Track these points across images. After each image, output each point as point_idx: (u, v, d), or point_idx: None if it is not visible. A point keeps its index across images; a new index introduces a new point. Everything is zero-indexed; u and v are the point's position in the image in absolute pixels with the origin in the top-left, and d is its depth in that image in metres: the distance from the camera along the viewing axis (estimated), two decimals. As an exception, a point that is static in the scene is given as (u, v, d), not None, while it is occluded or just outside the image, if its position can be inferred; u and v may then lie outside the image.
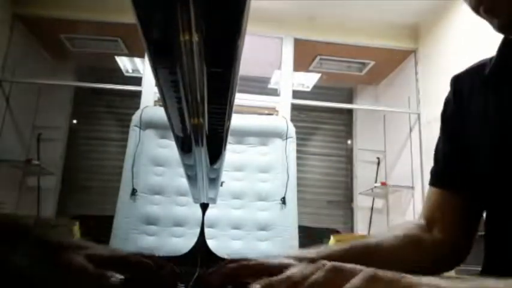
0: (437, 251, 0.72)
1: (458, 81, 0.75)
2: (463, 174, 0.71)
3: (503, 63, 0.69)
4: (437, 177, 0.76)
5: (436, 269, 0.73)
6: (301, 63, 3.54)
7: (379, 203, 3.72)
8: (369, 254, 0.70)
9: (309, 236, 3.42)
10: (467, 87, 0.73)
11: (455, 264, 0.74)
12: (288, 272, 0.41)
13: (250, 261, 0.58)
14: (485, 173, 0.66)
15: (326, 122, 4.12)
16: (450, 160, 0.74)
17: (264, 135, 2.66)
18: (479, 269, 0.69)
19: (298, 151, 2.72)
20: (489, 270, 0.67)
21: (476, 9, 0.62)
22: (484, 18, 0.63)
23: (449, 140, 0.75)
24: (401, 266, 0.67)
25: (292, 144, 2.66)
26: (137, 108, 2.81)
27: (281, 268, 0.47)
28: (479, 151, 0.67)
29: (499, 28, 0.62)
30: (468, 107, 0.71)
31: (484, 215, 0.70)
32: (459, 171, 0.72)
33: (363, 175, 3.83)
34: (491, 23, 0.63)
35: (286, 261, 0.58)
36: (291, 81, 3.38)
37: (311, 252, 0.66)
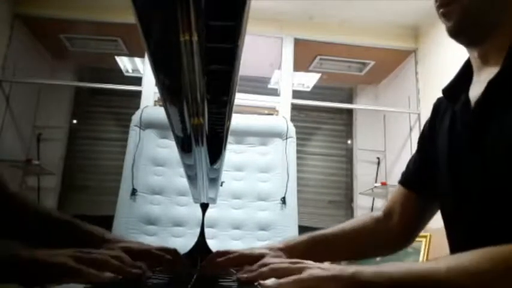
0: (388, 237, 0.90)
1: (438, 102, 0.84)
2: (422, 179, 0.84)
3: (456, 78, 0.76)
4: (403, 178, 0.90)
5: (391, 249, 0.93)
6: (301, 63, 3.54)
7: (379, 203, 3.72)
8: (327, 243, 0.88)
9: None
10: (441, 106, 0.82)
11: (399, 248, 0.93)
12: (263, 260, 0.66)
13: (234, 253, 0.80)
14: (441, 181, 0.75)
15: (326, 122, 4.11)
16: (416, 166, 0.87)
17: (264, 135, 2.66)
18: None
19: (298, 151, 2.72)
20: None
21: (437, 10, 0.69)
22: (442, 20, 0.69)
23: (420, 151, 0.88)
24: (356, 251, 0.92)
25: (292, 144, 2.66)
26: (137, 108, 2.81)
27: (257, 257, 0.70)
28: (438, 162, 0.76)
29: (449, 31, 0.68)
30: (439, 123, 0.80)
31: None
32: (420, 177, 0.85)
33: (363, 175, 3.83)
34: (446, 25, 0.69)
35: (259, 251, 0.80)
36: (291, 81, 3.38)
37: (280, 243, 0.87)
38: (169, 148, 2.50)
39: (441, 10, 0.67)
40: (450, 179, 0.71)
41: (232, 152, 2.51)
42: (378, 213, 0.93)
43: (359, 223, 0.92)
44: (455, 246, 0.74)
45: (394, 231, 0.89)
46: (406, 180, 0.89)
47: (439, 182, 0.76)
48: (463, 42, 0.70)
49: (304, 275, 0.51)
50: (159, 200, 2.45)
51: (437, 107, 0.83)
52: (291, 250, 0.84)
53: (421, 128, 3.02)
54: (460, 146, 0.69)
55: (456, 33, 0.68)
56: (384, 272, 0.48)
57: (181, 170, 1.04)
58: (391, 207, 0.90)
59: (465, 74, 0.73)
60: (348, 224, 0.92)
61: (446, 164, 0.72)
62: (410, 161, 0.91)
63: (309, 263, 0.57)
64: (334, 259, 0.94)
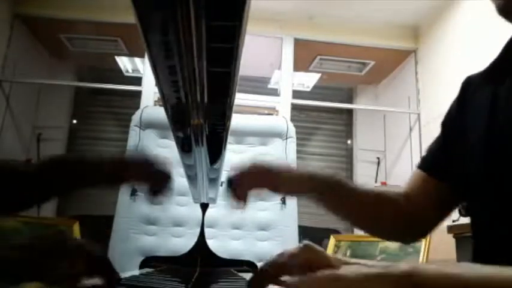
0: (407, 219, 0.80)
1: (467, 81, 0.78)
2: (448, 165, 0.76)
3: (503, 57, 0.70)
4: (425, 163, 0.82)
5: (401, 235, 0.85)
6: (301, 63, 3.54)
7: (379, 203, 3.72)
8: (350, 197, 0.78)
9: (309, 236, 3.42)
10: (473, 86, 0.75)
11: (417, 238, 0.86)
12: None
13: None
14: (472, 170, 0.69)
15: (326, 122, 4.11)
16: (440, 150, 0.79)
17: (264, 135, 2.66)
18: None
19: (298, 151, 2.72)
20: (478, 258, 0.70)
21: None
22: None
23: (445, 133, 0.80)
24: (376, 221, 0.80)
25: (292, 144, 2.66)
26: (137, 108, 2.81)
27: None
28: (471, 147, 0.69)
29: (500, 9, 0.64)
30: (470, 105, 0.74)
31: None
32: (445, 162, 0.77)
33: (363, 175, 3.83)
34: (494, 4, 0.64)
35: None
36: (291, 81, 3.38)
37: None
38: (169, 148, 2.49)
39: None
40: (487, 164, 0.65)
41: (232, 152, 2.51)
42: (399, 190, 0.83)
43: (384, 192, 0.82)
44: (484, 237, 0.68)
45: (413, 216, 0.79)
46: (428, 165, 0.80)
47: (470, 168, 0.69)
48: None
49: (342, 271, 0.40)
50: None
51: (467, 87, 0.77)
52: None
53: (421, 128, 2.99)
54: (506, 126, 0.63)
55: (506, 12, 0.63)
56: (452, 274, 0.38)
57: (181, 170, 1.04)
58: (410, 192, 0.81)
59: (509, 55, 0.69)
60: (371, 188, 0.83)
61: (483, 146, 0.66)
62: (432, 144, 0.82)
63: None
64: (343, 216, 0.84)
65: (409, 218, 0.80)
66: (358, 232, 3.70)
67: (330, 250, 2.80)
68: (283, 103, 3.24)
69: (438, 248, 2.25)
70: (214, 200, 1.46)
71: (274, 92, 3.50)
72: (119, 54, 3.64)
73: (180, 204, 2.43)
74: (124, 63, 3.78)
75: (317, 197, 0.77)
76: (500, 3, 0.63)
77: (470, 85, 0.76)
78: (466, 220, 1.80)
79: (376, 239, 1.86)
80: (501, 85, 0.67)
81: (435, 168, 0.79)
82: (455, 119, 0.77)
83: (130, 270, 1.34)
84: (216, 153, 0.85)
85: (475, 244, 0.71)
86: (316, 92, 4.01)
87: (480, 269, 0.38)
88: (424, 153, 0.84)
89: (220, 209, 2.38)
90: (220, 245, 2.28)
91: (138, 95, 3.14)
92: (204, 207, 1.54)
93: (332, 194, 0.77)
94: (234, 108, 0.70)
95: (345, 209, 0.81)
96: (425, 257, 2.21)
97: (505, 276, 0.37)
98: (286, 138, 2.66)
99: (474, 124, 0.70)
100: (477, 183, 0.68)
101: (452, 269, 0.39)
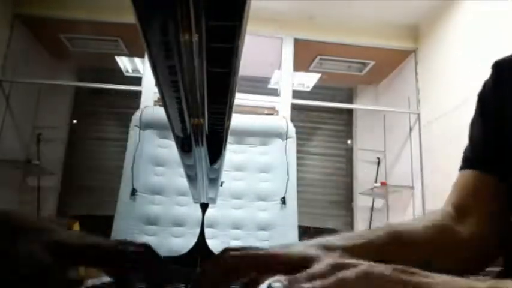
0: (473, 245, 0.60)
1: (499, 66, 0.69)
2: (503, 155, 0.61)
3: None
4: (473, 158, 0.66)
5: (468, 266, 0.61)
6: (301, 63, 3.54)
7: (379, 203, 3.72)
8: (403, 242, 0.57)
9: (309, 236, 3.42)
10: (508, 72, 0.67)
11: (488, 262, 0.63)
12: (314, 269, 0.33)
13: (258, 252, 0.42)
14: None
15: (326, 122, 4.11)
16: (489, 141, 0.65)
17: (264, 135, 2.66)
18: (498, 269, 0.62)
19: (298, 151, 2.72)
20: (509, 272, 0.59)
21: None
22: None
23: (486, 122, 0.67)
24: (432, 261, 0.57)
25: (292, 144, 2.66)
26: (137, 108, 2.81)
27: (303, 262, 0.38)
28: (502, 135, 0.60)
29: None
30: (507, 90, 0.65)
31: None
32: (499, 152, 0.62)
33: (363, 175, 3.83)
34: None
35: (309, 252, 0.43)
36: (291, 81, 3.38)
37: (337, 239, 0.52)
38: (169, 148, 2.49)
39: None
40: None
41: (232, 152, 2.51)
42: (447, 209, 0.64)
43: (435, 219, 0.62)
44: None
45: (477, 236, 0.60)
46: (475, 160, 0.65)
47: None
48: None
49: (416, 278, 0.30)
50: (159, 200, 2.45)
51: (501, 70, 0.68)
52: (356, 250, 0.52)
53: (421, 128, 2.99)
54: None
55: None
56: None
57: (181, 170, 1.04)
58: (463, 203, 0.63)
59: None
60: (421, 220, 0.62)
61: None
62: (472, 137, 0.69)
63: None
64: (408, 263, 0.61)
65: (476, 241, 0.61)
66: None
67: (330, 250, 2.79)
68: (283, 103, 3.24)
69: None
70: (214, 200, 1.46)
71: (274, 92, 3.50)
72: (119, 54, 3.64)
73: (180, 204, 2.43)
74: (124, 63, 3.78)
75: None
76: None
77: (503, 69, 0.67)
78: None
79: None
80: None
81: (488, 161, 0.63)
82: (493, 102, 0.66)
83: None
84: (216, 153, 0.85)
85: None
86: (316, 92, 4.01)
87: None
88: (466, 149, 0.69)
89: (220, 209, 2.38)
90: (220, 245, 2.28)
91: (138, 95, 3.14)
92: (204, 207, 1.54)
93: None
94: (234, 108, 0.70)
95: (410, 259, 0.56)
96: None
97: None
98: (286, 138, 2.66)
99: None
100: None
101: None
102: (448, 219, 0.62)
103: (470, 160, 0.66)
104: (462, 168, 0.66)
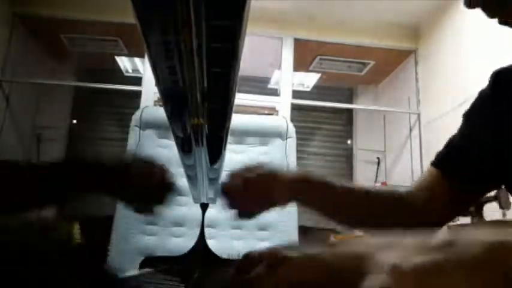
0: (420, 217, 0.74)
1: (498, 76, 0.72)
2: (467, 163, 0.70)
3: None
4: (439, 159, 0.75)
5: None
6: (301, 63, 3.54)
7: (379, 203, 3.72)
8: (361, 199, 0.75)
9: (309, 236, 3.42)
10: (507, 80, 0.70)
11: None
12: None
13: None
14: (493, 169, 0.65)
15: (326, 122, 4.11)
16: (459, 146, 0.73)
17: (264, 135, 2.66)
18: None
19: (298, 151, 2.72)
20: None
21: (498, 21, 0.63)
22: (508, 26, 0.62)
23: (472, 131, 0.73)
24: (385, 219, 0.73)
25: (292, 144, 2.66)
26: (137, 108, 2.81)
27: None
28: (498, 146, 0.65)
29: (500, 24, 0.62)
30: (504, 102, 0.68)
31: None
32: (465, 159, 0.71)
33: (363, 175, 3.83)
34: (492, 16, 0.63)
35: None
36: (291, 81, 3.38)
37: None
38: (169, 148, 2.49)
39: (503, 21, 0.61)
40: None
41: (232, 152, 2.51)
42: (401, 190, 0.78)
43: (378, 191, 0.79)
44: None
45: (419, 213, 0.73)
46: (445, 164, 0.74)
47: (489, 167, 0.64)
48: None
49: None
50: (159, 200, 2.45)
51: (498, 80, 0.71)
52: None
53: (421, 128, 2.98)
54: None
55: (506, 25, 0.61)
56: None
57: (181, 170, 1.04)
58: (419, 190, 0.76)
59: None
60: (362, 187, 0.78)
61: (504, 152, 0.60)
62: (450, 142, 0.76)
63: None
64: (331, 217, 0.79)
65: (417, 217, 0.74)
66: (359, 232, 3.70)
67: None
68: (283, 103, 3.24)
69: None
70: (214, 200, 1.46)
71: (274, 92, 3.50)
72: (119, 54, 3.64)
73: (180, 204, 2.43)
74: (124, 63, 3.78)
75: (304, 200, 0.77)
76: (498, 21, 0.61)
77: (502, 79, 0.70)
78: (466, 220, 1.80)
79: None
80: None
81: (455, 167, 0.72)
82: (489, 117, 0.69)
83: (130, 270, 1.34)
84: (216, 153, 0.85)
85: None
86: (316, 92, 4.01)
87: None
88: (441, 150, 0.77)
89: (221, 209, 2.38)
90: (220, 245, 2.28)
91: (138, 95, 3.14)
92: (204, 207, 1.54)
93: (319, 193, 0.75)
94: (234, 108, 0.70)
95: (332, 209, 0.77)
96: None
97: None
98: (286, 138, 2.66)
99: (505, 122, 0.64)
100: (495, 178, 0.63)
101: None
102: (392, 194, 0.77)
103: (436, 159, 0.75)
104: (430, 164, 0.76)
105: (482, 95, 0.73)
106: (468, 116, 0.75)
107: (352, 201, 0.75)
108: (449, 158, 0.74)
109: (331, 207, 0.76)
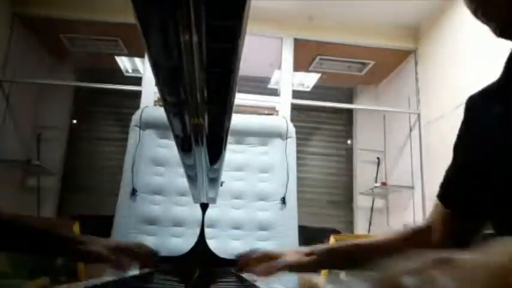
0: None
1: (470, 101, 0.75)
2: (464, 195, 0.72)
3: (506, 76, 0.68)
4: (441, 194, 0.79)
5: None
6: (301, 63, 3.54)
7: (379, 203, 3.72)
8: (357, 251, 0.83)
9: (309, 236, 3.42)
10: (478, 105, 0.73)
11: None
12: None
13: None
14: (490, 193, 0.66)
15: (326, 122, 4.11)
16: (453, 179, 0.76)
17: (264, 135, 2.66)
18: None
19: (298, 151, 2.72)
20: None
21: (474, 12, 0.63)
22: (481, 21, 0.63)
23: (457, 159, 0.77)
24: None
25: (292, 144, 2.66)
26: (137, 108, 2.81)
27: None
28: (484, 169, 0.66)
29: (494, 31, 0.63)
30: (477, 126, 0.71)
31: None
32: (461, 192, 0.73)
33: (363, 175, 3.83)
34: (488, 26, 0.63)
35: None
36: (291, 81, 3.38)
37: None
38: (169, 148, 2.50)
39: (480, 10, 0.62)
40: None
41: (232, 152, 2.51)
42: (419, 225, 0.83)
43: (396, 233, 0.83)
44: None
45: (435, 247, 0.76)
46: (443, 197, 0.78)
47: (491, 193, 0.66)
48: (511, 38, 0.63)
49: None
50: (159, 200, 2.45)
51: (471, 107, 0.75)
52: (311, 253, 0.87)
53: (421, 128, 3.00)
54: None
55: (502, 34, 0.62)
56: None
57: (181, 170, 1.04)
58: (432, 224, 0.80)
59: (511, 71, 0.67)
60: (384, 234, 0.84)
61: (504, 170, 0.62)
62: (445, 174, 0.79)
63: None
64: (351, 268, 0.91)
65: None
66: (359, 232, 3.71)
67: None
68: (283, 103, 3.24)
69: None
70: (214, 200, 1.46)
71: (274, 92, 3.50)
72: (119, 54, 3.64)
73: (180, 204, 2.43)
74: (124, 63, 3.78)
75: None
76: (494, 26, 0.61)
77: (474, 106, 0.74)
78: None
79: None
80: (507, 104, 0.64)
81: (451, 199, 0.76)
82: (467, 146, 0.74)
83: (130, 270, 1.34)
84: (216, 153, 0.85)
85: None
86: (316, 92, 4.01)
87: None
88: (440, 183, 0.80)
89: (221, 209, 2.38)
90: (220, 245, 2.28)
91: (138, 95, 3.14)
92: (204, 207, 1.54)
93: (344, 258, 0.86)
94: (234, 108, 0.70)
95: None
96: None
97: None
98: (286, 138, 2.66)
99: (488, 149, 0.66)
100: (503, 207, 0.63)
101: None
102: (409, 231, 0.81)
103: (439, 194, 0.78)
104: (437, 196, 0.78)
105: (461, 124, 0.77)
106: (454, 149, 0.78)
107: (358, 256, 0.82)
108: (446, 191, 0.77)
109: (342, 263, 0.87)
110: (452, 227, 0.76)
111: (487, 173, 0.65)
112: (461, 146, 0.76)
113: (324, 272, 2.43)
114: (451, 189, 0.76)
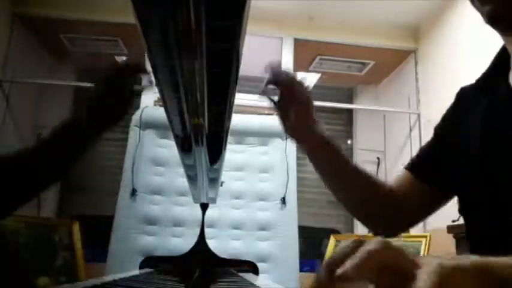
0: (394, 208, 0.84)
1: (461, 92, 0.81)
2: (437, 169, 0.79)
3: (492, 69, 0.72)
4: (414, 164, 0.85)
5: (387, 224, 0.86)
6: (301, 63, 3.53)
7: (379, 203, 3.72)
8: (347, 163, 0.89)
9: (309, 236, 3.42)
10: (467, 97, 0.78)
11: (400, 231, 0.88)
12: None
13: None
14: (467, 177, 0.71)
15: (326, 122, 4.11)
16: (431, 156, 0.83)
17: (264, 135, 2.66)
18: None
19: (298, 151, 2.71)
20: None
21: None
22: (476, 6, 0.66)
23: (438, 140, 0.83)
24: (366, 199, 0.86)
25: (292, 144, 2.66)
26: (137, 108, 2.81)
27: None
28: (466, 157, 0.71)
29: (487, 18, 0.64)
30: (464, 116, 0.76)
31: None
32: (436, 166, 0.80)
33: (363, 175, 3.82)
34: (481, 12, 0.65)
35: None
36: (291, 81, 3.37)
37: None
38: (169, 148, 2.50)
39: None
40: (483, 172, 0.66)
41: (232, 152, 2.51)
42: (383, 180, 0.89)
43: (375, 178, 0.88)
44: (479, 241, 0.70)
45: (398, 207, 0.83)
46: (417, 168, 0.84)
47: (464, 174, 0.71)
48: (500, 28, 0.67)
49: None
50: (159, 200, 2.45)
51: (461, 97, 0.80)
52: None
53: (421, 128, 3.01)
54: (502, 135, 0.64)
55: (494, 19, 0.64)
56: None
57: (181, 170, 1.04)
58: (395, 188, 0.85)
59: (501, 64, 0.70)
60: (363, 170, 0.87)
61: (478, 154, 0.67)
62: (423, 148, 0.87)
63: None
64: (334, 183, 0.92)
65: (395, 208, 0.83)
66: (358, 232, 3.70)
67: (330, 250, 2.80)
68: (283, 103, 3.23)
69: (438, 248, 2.25)
70: (214, 200, 1.46)
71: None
72: (119, 54, 3.64)
73: (180, 204, 2.43)
74: (124, 63, 3.78)
75: (318, 149, 0.92)
76: (487, 12, 0.63)
77: (464, 96, 0.79)
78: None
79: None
80: (494, 96, 0.68)
81: (424, 172, 0.82)
82: (450, 128, 0.79)
83: (130, 270, 1.34)
84: (216, 153, 0.85)
85: (471, 244, 0.73)
86: (316, 92, 4.01)
87: None
88: (414, 156, 0.87)
89: (220, 209, 2.38)
90: (220, 245, 2.28)
91: (138, 95, 3.14)
92: (204, 207, 1.54)
93: (331, 152, 0.91)
94: (234, 108, 0.70)
95: (339, 174, 0.90)
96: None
97: None
98: (286, 138, 2.66)
99: (469, 134, 0.71)
100: (473, 187, 0.69)
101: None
102: (386, 185, 0.86)
103: (410, 165, 0.85)
104: (405, 168, 0.86)
105: (448, 110, 0.83)
106: (436, 129, 0.85)
107: (360, 176, 0.86)
108: (421, 164, 0.84)
109: (341, 172, 0.89)
110: (417, 197, 0.81)
111: (467, 155, 0.71)
112: (444, 127, 0.82)
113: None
114: (427, 163, 0.82)
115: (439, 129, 0.83)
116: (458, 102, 0.80)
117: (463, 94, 0.80)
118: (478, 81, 0.75)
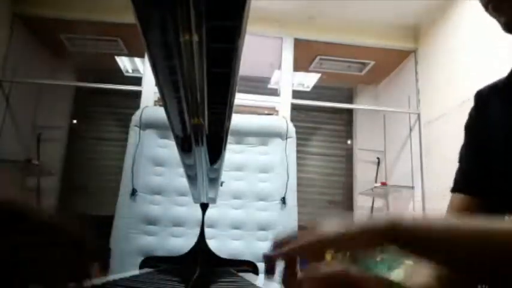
0: None
1: (480, 95, 0.76)
2: (487, 179, 0.70)
3: None
4: (462, 183, 0.75)
5: None
6: (301, 63, 3.54)
7: (379, 203, 3.72)
8: None
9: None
10: (488, 99, 0.74)
11: None
12: None
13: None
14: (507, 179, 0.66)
15: (326, 122, 4.11)
16: (474, 166, 0.73)
17: (264, 135, 2.66)
18: None
19: (298, 151, 2.72)
20: None
21: (485, 6, 0.64)
22: (492, 15, 0.64)
23: (472, 149, 0.75)
24: None
25: (292, 144, 2.67)
26: (137, 108, 2.81)
27: None
28: (502, 159, 0.67)
29: (504, 26, 0.63)
30: (490, 117, 0.71)
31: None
32: (483, 177, 0.71)
33: (363, 175, 3.83)
34: (498, 21, 0.64)
35: None
36: (291, 81, 3.38)
37: None
38: (169, 148, 2.50)
39: (491, 4, 0.63)
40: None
41: (232, 152, 2.51)
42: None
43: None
44: None
45: None
46: (463, 184, 0.74)
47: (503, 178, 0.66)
48: None
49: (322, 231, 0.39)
50: (159, 200, 2.45)
51: (481, 100, 0.75)
52: None
53: (421, 128, 3.00)
54: None
55: (511, 29, 0.63)
56: (438, 223, 0.36)
57: (181, 170, 1.04)
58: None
59: None
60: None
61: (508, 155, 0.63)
62: (461, 162, 0.77)
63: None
64: None
65: None
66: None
67: (330, 250, 2.79)
68: (283, 103, 3.24)
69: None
70: (214, 200, 1.46)
71: (274, 92, 3.50)
72: (119, 54, 3.64)
73: (180, 204, 2.43)
74: (124, 63, 3.78)
75: None
76: (504, 20, 0.63)
77: (482, 100, 0.74)
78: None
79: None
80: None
81: (474, 185, 0.72)
82: (480, 134, 0.73)
83: (130, 270, 1.34)
84: (216, 153, 0.85)
85: None
86: (316, 92, 4.01)
87: (469, 221, 0.37)
88: (457, 176, 0.78)
89: (220, 208, 2.38)
90: (220, 245, 2.28)
91: (138, 95, 3.14)
92: (204, 207, 1.54)
93: None
94: (234, 108, 0.70)
95: None
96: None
97: (490, 227, 0.36)
98: (286, 138, 2.66)
99: (497, 135, 0.67)
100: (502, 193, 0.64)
101: (438, 220, 0.38)
102: None
103: (458, 184, 0.75)
104: (453, 190, 0.76)
105: (470, 115, 0.77)
106: (468, 135, 0.77)
107: None
108: (470, 179, 0.74)
109: None
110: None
111: (500, 159, 0.66)
112: (474, 136, 0.75)
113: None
114: (474, 176, 0.73)
115: (470, 139, 0.76)
116: (479, 105, 0.75)
117: (480, 98, 0.75)
118: (497, 85, 0.72)
